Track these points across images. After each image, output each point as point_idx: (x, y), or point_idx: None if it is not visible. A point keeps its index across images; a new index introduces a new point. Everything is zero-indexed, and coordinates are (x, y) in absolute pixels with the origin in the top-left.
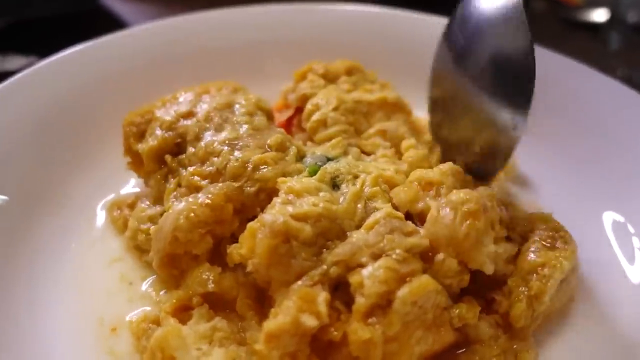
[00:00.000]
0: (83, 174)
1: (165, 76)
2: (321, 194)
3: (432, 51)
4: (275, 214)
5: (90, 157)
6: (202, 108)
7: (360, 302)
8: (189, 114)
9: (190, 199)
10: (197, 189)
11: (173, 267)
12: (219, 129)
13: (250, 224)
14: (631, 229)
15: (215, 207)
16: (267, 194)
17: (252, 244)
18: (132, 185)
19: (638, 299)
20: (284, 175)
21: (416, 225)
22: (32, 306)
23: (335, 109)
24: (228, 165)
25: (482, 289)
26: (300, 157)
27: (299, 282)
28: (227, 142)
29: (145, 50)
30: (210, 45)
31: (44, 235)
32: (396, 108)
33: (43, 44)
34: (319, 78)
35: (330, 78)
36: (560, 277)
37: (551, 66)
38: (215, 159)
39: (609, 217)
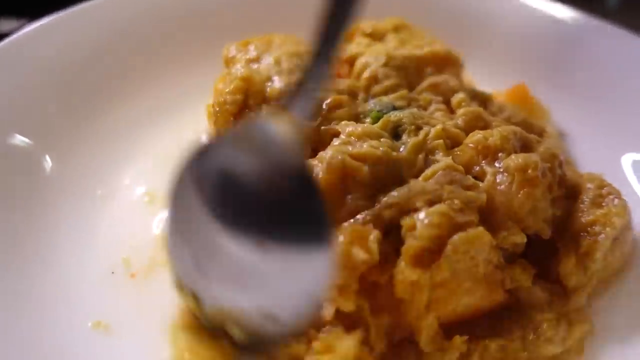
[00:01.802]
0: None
1: (176, 36)
2: (382, 139)
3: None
4: (334, 151)
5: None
6: (271, 55)
7: (411, 244)
8: (257, 59)
9: None
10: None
11: None
12: (290, 73)
13: (309, 161)
14: None
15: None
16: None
17: None
18: None
19: None
20: (357, 117)
21: None
22: (55, 249)
23: (385, 64)
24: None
25: (539, 255)
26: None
27: (352, 220)
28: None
29: (147, 10)
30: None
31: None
32: (447, 62)
33: (35, 5)
34: (365, 38)
35: (377, 36)
36: (612, 233)
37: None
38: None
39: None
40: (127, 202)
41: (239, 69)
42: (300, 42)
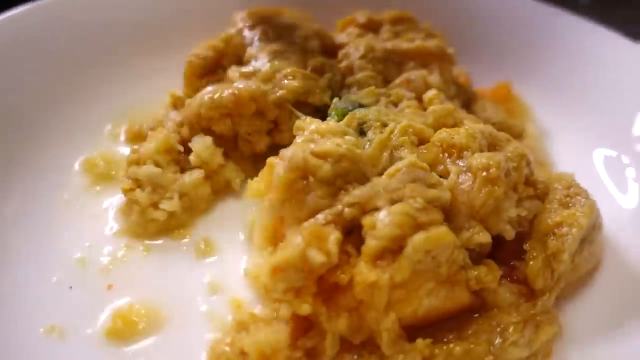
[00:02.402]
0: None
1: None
2: (346, 137)
3: None
4: (295, 149)
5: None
6: (261, 26)
7: (371, 243)
8: (254, 25)
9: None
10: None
11: None
12: (272, 40)
13: (269, 159)
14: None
15: (238, 98)
16: (289, 112)
17: (270, 179)
18: None
19: None
20: (308, 94)
21: None
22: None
23: (363, 56)
24: (262, 69)
25: (506, 256)
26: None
27: (312, 220)
28: (272, 51)
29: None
30: None
31: None
32: (434, 58)
33: None
34: (356, 28)
35: (372, 27)
36: (579, 234)
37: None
38: (255, 62)
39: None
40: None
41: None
42: (308, 19)
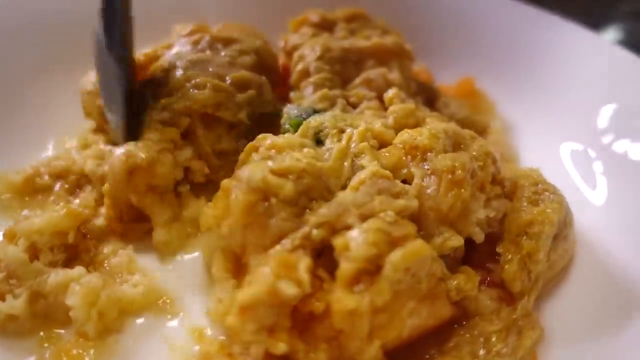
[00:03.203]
0: None
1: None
2: (305, 150)
3: None
4: (252, 169)
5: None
6: (200, 40)
7: (346, 267)
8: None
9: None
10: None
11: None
12: (199, 51)
13: (224, 182)
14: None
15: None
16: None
17: (226, 203)
18: None
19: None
20: (219, 106)
21: None
22: None
23: (320, 57)
24: (172, 78)
25: (479, 259)
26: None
27: (278, 247)
28: (192, 61)
29: None
30: None
31: None
32: (393, 54)
33: None
34: (309, 28)
35: (325, 26)
36: (552, 231)
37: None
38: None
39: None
40: None
41: None
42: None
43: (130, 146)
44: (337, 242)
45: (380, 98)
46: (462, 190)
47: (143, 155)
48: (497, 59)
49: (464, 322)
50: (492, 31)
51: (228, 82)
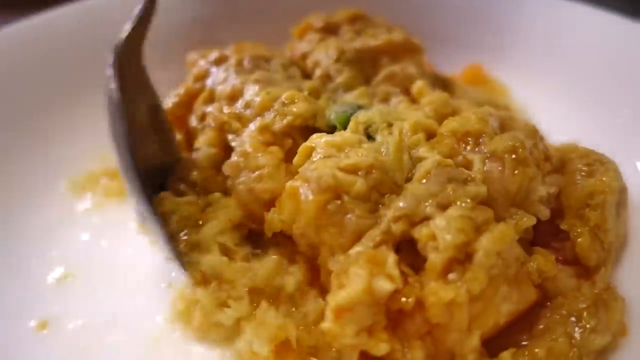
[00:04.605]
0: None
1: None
2: (364, 145)
3: None
4: (320, 167)
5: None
6: (234, 57)
7: (436, 257)
8: (221, 60)
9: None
10: (222, 125)
11: None
12: (250, 72)
13: (289, 184)
14: None
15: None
16: (295, 140)
17: (294, 206)
18: None
19: None
20: (316, 118)
21: None
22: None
23: (337, 60)
24: (256, 99)
25: (544, 239)
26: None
27: (359, 245)
28: (258, 80)
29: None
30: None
31: None
32: (404, 50)
33: None
34: (315, 33)
35: (330, 30)
36: (614, 199)
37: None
38: (246, 95)
39: None
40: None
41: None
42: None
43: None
44: (421, 233)
45: (404, 92)
46: (527, 168)
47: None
48: (500, 44)
49: (548, 304)
50: (485, 18)
51: (305, 93)
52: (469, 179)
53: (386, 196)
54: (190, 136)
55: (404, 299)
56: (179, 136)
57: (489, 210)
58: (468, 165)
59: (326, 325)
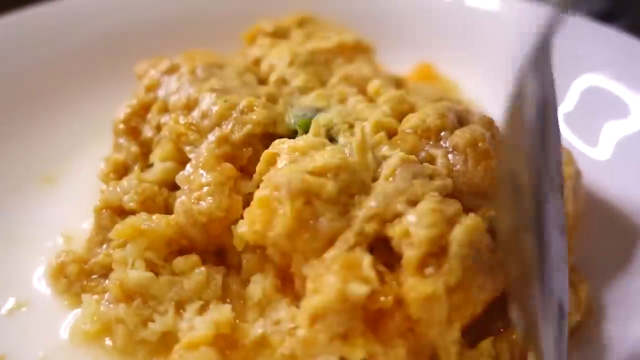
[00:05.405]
0: None
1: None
2: (328, 147)
3: None
4: (287, 173)
5: None
6: (186, 66)
7: (412, 253)
8: (172, 70)
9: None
10: (179, 137)
11: None
12: (204, 80)
13: (257, 193)
14: None
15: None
16: (255, 149)
17: (268, 215)
18: None
19: None
20: (275, 121)
21: None
22: None
23: (291, 63)
24: (213, 109)
25: None
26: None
27: (333, 249)
28: (214, 89)
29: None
30: None
31: None
32: (357, 50)
33: None
34: (266, 38)
35: (281, 34)
36: (571, 183)
37: None
38: (202, 104)
39: None
40: None
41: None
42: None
43: None
44: (394, 231)
45: (361, 91)
46: (489, 160)
47: None
48: (446, 41)
49: None
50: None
51: (263, 100)
52: (434, 173)
53: (355, 197)
54: (145, 148)
55: (382, 299)
56: (134, 148)
57: (457, 203)
58: (432, 160)
59: (300, 333)
